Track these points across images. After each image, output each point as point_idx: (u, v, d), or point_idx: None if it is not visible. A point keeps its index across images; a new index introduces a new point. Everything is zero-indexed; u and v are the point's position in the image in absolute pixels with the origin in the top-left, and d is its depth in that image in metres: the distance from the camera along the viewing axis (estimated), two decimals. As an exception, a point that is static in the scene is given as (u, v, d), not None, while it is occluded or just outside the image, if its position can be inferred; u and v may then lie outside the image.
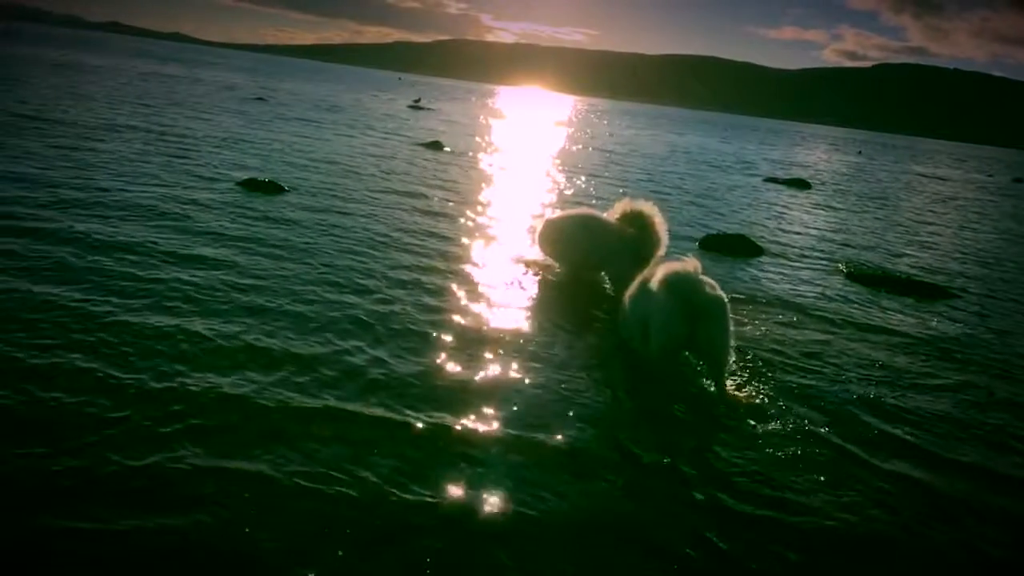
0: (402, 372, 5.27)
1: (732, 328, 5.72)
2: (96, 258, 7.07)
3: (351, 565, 3.30)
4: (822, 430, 5.12)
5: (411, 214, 11.34)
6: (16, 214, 8.24)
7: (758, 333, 7.14)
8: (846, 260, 11.57)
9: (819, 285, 9.67)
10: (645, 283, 6.22)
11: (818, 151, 59.59)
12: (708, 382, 5.72)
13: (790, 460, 4.68)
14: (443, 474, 4.04)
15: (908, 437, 5.20)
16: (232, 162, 14.30)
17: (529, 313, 7.06)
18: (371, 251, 8.63)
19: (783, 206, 18.70)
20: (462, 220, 11.35)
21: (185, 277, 6.82)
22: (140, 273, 6.79)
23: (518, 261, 9.05)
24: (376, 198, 12.38)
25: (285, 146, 18.03)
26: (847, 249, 12.98)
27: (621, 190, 17.45)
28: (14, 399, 4.29)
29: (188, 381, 4.75)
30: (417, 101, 50.87)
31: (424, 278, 7.75)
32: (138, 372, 4.80)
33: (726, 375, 5.70)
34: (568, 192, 16.62)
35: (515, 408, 4.92)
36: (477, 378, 5.35)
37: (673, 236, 11.82)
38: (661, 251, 7.87)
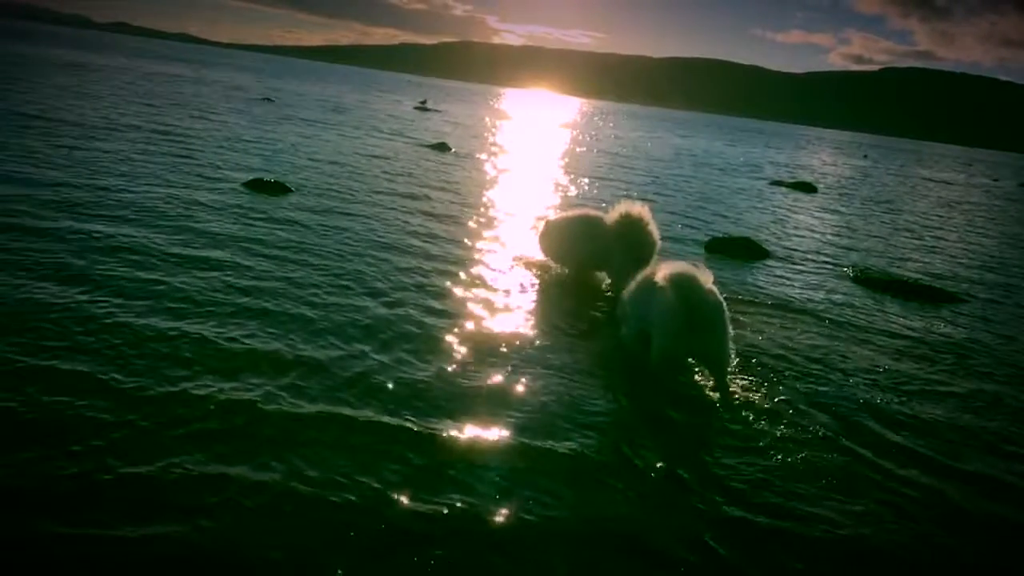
0: (407, 378, 5.23)
1: (731, 331, 5.75)
2: (99, 259, 7.05)
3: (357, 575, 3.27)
4: (828, 436, 5.08)
5: (416, 216, 11.32)
6: (18, 214, 8.21)
7: (764, 337, 7.10)
8: (852, 264, 11.53)
9: (825, 289, 9.64)
10: (647, 283, 6.19)
11: (824, 154, 59.49)
12: (710, 385, 5.70)
13: (796, 467, 4.63)
14: (449, 481, 4.00)
15: (916, 446, 5.13)
16: (238, 162, 14.30)
17: (533, 316, 7.04)
18: (376, 253, 8.61)
19: (789, 209, 18.64)
20: (467, 222, 11.33)
21: (189, 279, 6.80)
22: (143, 274, 6.77)
23: (522, 263, 9.03)
24: (382, 200, 12.37)
25: (291, 147, 18.04)
26: (853, 253, 12.94)
27: (625, 192, 17.42)
28: (15, 402, 4.25)
29: (190, 385, 4.71)
30: (423, 103, 50.90)
31: (429, 281, 7.73)
32: (140, 376, 4.76)
33: (727, 378, 5.71)
34: (573, 194, 16.60)
35: (520, 414, 4.88)
36: (482, 383, 5.30)
37: (679, 239, 11.91)
38: (656, 252, 7.96)
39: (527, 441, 4.52)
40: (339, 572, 3.26)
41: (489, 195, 14.66)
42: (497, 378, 5.43)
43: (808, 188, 24.76)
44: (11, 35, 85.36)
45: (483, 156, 22.35)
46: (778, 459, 4.70)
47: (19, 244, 7.18)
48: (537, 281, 8.38)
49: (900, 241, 15.34)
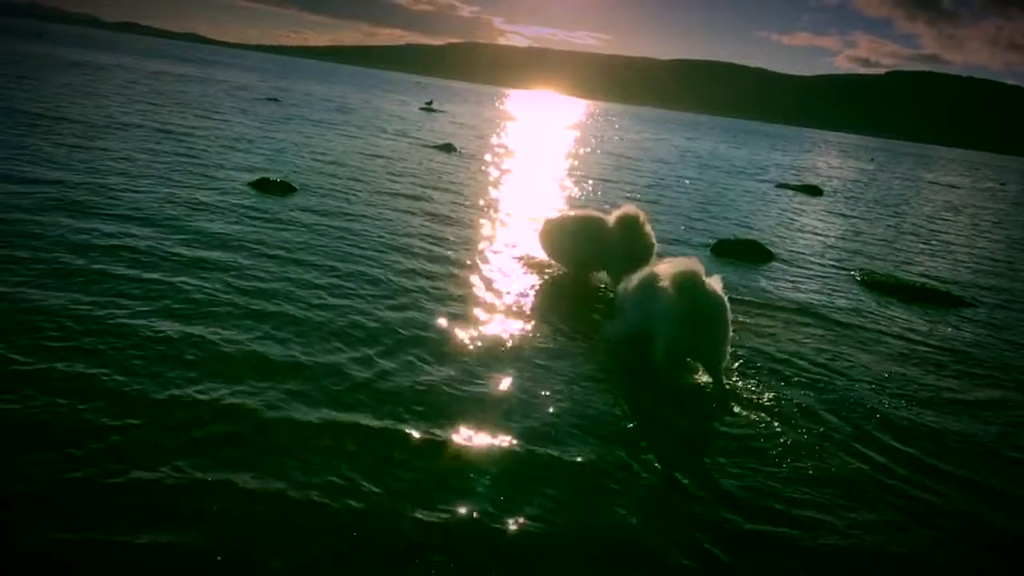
0: (412, 383, 5.18)
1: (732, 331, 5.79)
2: (101, 260, 7.01)
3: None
4: (835, 444, 5.03)
5: (421, 217, 11.30)
6: (21, 215, 8.17)
7: (770, 340, 7.06)
8: (858, 267, 11.48)
9: (832, 292, 9.59)
10: (648, 281, 6.16)
11: (830, 157, 59.38)
12: (712, 389, 5.68)
13: (801, 474, 4.59)
14: (454, 490, 3.95)
15: (923, 454, 5.07)
16: (244, 162, 14.30)
17: (536, 319, 6.98)
18: (381, 255, 8.59)
19: (795, 212, 18.59)
20: (471, 223, 11.31)
21: (193, 281, 6.75)
22: (146, 275, 6.72)
23: (526, 264, 9.01)
24: (386, 200, 12.35)
25: (297, 147, 18.04)
26: (859, 256, 12.88)
27: (629, 194, 17.40)
28: (16, 404, 4.22)
29: (192, 390, 4.66)
30: (429, 103, 50.91)
31: (433, 283, 7.70)
32: (142, 379, 4.73)
33: (722, 375, 5.71)
34: (578, 195, 16.57)
35: (525, 420, 4.83)
36: (486, 389, 5.25)
37: (684, 242, 11.89)
38: (655, 254, 8.02)
39: (532, 447, 4.48)
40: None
41: (494, 196, 14.65)
42: (501, 383, 5.39)
43: (814, 191, 24.70)
44: (19, 34, 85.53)
45: (488, 157, 22.33)
46: (783, 466, 4.66)
47: (20, 244, 7.15)
48: (540, 282, 8.35)
49: (906, 245, 15.29)
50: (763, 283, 9.63)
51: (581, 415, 5.03)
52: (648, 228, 8.15)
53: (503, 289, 7.86)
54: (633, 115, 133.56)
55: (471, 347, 6.04)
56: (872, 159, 66.01)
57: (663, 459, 4.60)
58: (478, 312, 6.97)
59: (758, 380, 5.98)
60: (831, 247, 13.55)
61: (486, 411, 4.91)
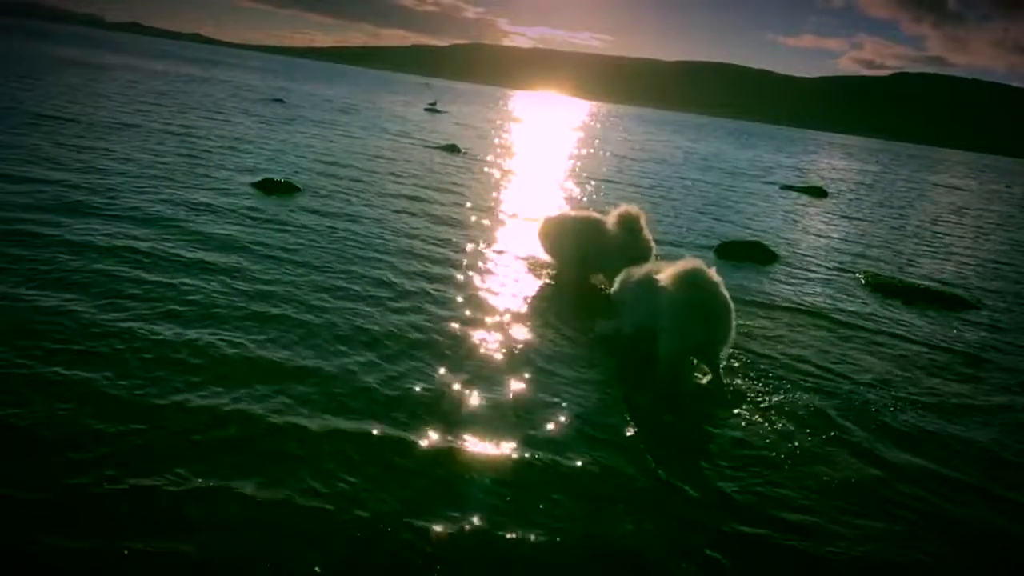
0: (415, 389, 5.12)
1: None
2: (102, 262, 6.96)
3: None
4: (840, 451, 4.99)
5: (424, 218, 11.29)
6: (21, 215, 8.15)
7: (775, 342, 7.03)
8: (864, 269, 11.43)
9: (837, 294, 9.56)
10: (648, 280, 6.12)
11: (835, 159, 59.27)
12: (716, 393, 5.66)
13: (806, 481, 4.54)
14: (459, 499, 3.90)
15: (930, 462, 5.00)
16: (248, 162, 14.31)
17: (540, 323, 6.94)
18: (385, 257, 8.55)
19: (799, 214, 18.55)
20: (474, 225, 11.29)
21: (195, 283, 6.71)
22: (148, 278, 6.68)
23: (530, 268, 8.98)
24: (391, 202, 12.34)
25: (301, 147, 18.04)
26: (864, 258, 12.84)
27: (632, 196, 17.36)
28: (15, 410, 4.18)
29: (194, 395, 4.62)
30: (433, 104, 50.91)
31: (437, 287, 7.65)
32: (142, 384, 4.68)
33: (722, 374, 5.77)
34: (582, 197, 16.54)
35: (530, 428, 4.77)
36: (491, 396, 5.18)
37: (689, 244, 11.86)
38: (652, 255, 8.01)
39: (537, 454, 4.43)
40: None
41: (498, 197, 14.63)
42: (504, 389, 5.34)
43: (819, 193, 24.65)
44: (22, 34, 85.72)
45: (492, 158, 22.32)
46: (788, 472, 4.62)
47: (21, 246, 7.11)
48: (543, 284, 8.35)
49: (911, 246, 15.24)
50: (768, 285, 9.60)
51: (585, 420, 4.99)
52: (646, 228, 8.15)
53: (506, 291, 7.84)
54: (637, 116, 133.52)
55: (474, 351, 6.00)
56: (877, 161, 65.89)
57: (667, 465, 4.56)
58: (481, 315, 6.93)
59: (762, 383, 5.95)
60: (836, 249, 13.50)
61: (490, 417, 4.87)
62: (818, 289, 9.78)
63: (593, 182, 19.67)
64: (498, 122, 45.62)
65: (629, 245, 7.96)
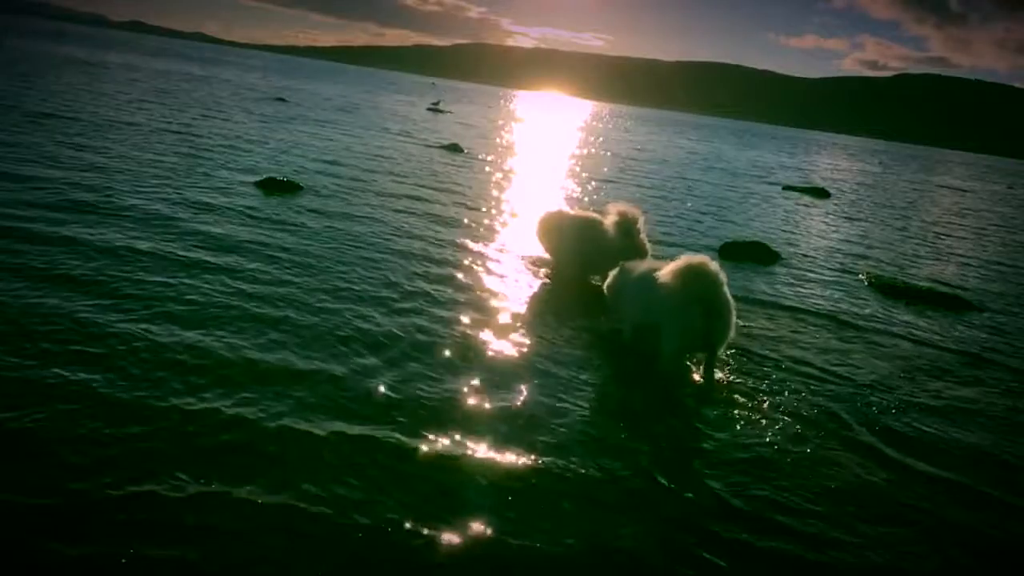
0: (418, 394, 5.05)
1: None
2: (101, 263, 6.92)
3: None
4: (846, 455, 4.95)
5: (426, 218, 11.27)
6: (21, 215, 8.10)
7: (778, 344, 7.01)
8: (866, 270, 11.41)
9: (840, 295, 9.54)
10: (649, 276, 6.11)
11: (837, 160, 59.22)
12: (721, 396, 5.66)
13: (812, 487, 4.48)
14: (462, 505, 3.85)
15: (937, 467, 4.95)
16: (250, 161, 14.31)
17: (541, 325, 6.91)
18: (388, 259, 8.52)
19: (802, 215, 18.54)
20: (477, 225, 11.28)
21: (196, 284, 6.66)
22: (148, 279, 6.64)
23: (532, 268, 8.97)
24: (394, 202, 12.34)
25: (304, 147, 18.04)
26: (867, 259, 12.82)
27: (634, 196, 17.35)
28: (14, 413, 4.14)
29: (194, 399, 4.56)
30: (436, 104, 50.93)
31: (440, 288, 7.62)
32: (142, 387, 4.63)
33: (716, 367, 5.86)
34: (583, 197, 16.52)
35: (533, 432, 4.71)
36: (492, 400, 5.11)
37: (691, 244, 11.85)
38: (647, 256, 8.01)
39: (540, 460, 4.37)
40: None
41: (500, 197, 14.63)
42: (507, 392, 5.27)
43: (821, 193, 24.63)
44: (26, 33, 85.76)
45: (494, 158, 22.31)
46: (791, 477, 4.57)
47: (21, 247, 7.06)
48: (544, 284, 8.35)
49: (913, 248, 15.21)
50: (770, 285, 9.59)
51: (586, 423, 4.96)
52: (643, 230, 8.16)
53: (507, 292, 7.84)
54: (639, 116, 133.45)
55: (475, 354, 5.95)
56: (879, 162, 65.82)
57: (668, 469, 4.52)
58: (482, 317, 6.90)
59: (766, 385, 5.93)
60: (838, 249, 13.48)
61: (492, 421, 4.83)
62: (821, 290, 9.77)
63: (595, 182, 19.67)
64: (500, 122, 45.60)
65: (626, 247, 7.94)
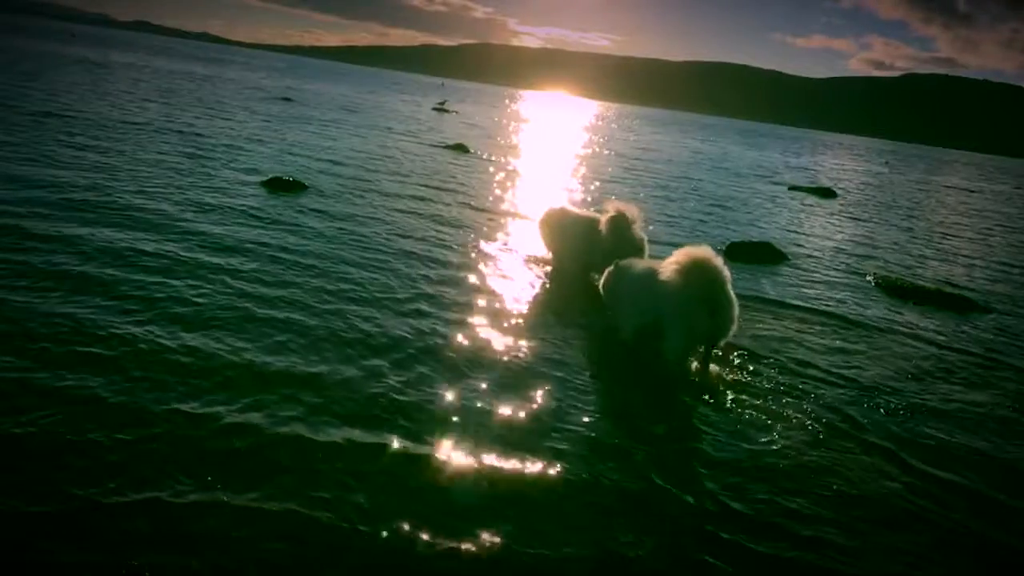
0: (421, 399, 4.98)
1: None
2: (104, 264, 6.87)
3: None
4: (855, 460, 4.89)
5: (433, 219, 11.24)
6: (23, 217, 8.06)
7: (786, 345, 6.96)
8: (873, 270, 11.36)
9: (847, 295, 9.50)
10: (650, 273, 6.08)
11: (844, 160, 59.07)
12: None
13: (822, 494, 4.43)
14: (473, 516, 3.78)
15: (950, 474, 4.89)
16: (256, 161, 14.31)
17: (544, 327, 6.87)
18: (393, 260, 8.48)
19: (808, 215, 18.47)
20: (481, 226, 11.25)
21: (200, 286, 6.62)
22: (151, 280, 6.60)
23: (534, 269, 8.95)
24: (398, 202, 12.32)
25: (309, 147, 18.03)
26: (873, 259, 12.76)
27: (640, 196, 17.32)
28: (14, 417, 4.10)
29: (196, 404, 4.51)
30: (442, 104, 50.91)
31: (446, 290, 7.57)
32: (143, 392, 4.58)
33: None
34: (588, 197, 16.48)
35: (539, 439, 4.63)
36: (499, 406, 5.04)
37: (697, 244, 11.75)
38: (644, 253, 8.07)
39: (543, 467, 4.32)
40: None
41: (505, 197, 14.59)
42: (512, 398, 5.19)
43: (827, 194, 24.55)
44: (31, 33, 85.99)
45: (500, 158, 22.27)
46: (798, 483, 4.53)
47: (23, 247, 7.04)
48: (547, 285, 8.32)
49: (920, 248, 15.14)
50: (778, 285, 9.54)
51: (590, 428, 4.91)
52: (638, 227, 8.16)
53: (511, 294, 7.80)
54: (646, 117, 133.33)
55: (479, 358, 5.88)
56: (886, 162, 65.63)
57: (673, 476, 4.46)
58: (486, 319, 6.84)
59: (772, 387, 5.89)
60: (844, 250, 13.42)
61: (499, 426, 4.77)
62: (828, 290, 9.72)
63: (600, 182, 19.63)
64: (506, 122, 45.58)
65: (619, 244, 7.95)
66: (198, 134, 17.12)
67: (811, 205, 20.95)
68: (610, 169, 23.95)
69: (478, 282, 8.01)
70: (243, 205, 10.20)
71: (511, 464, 4.32)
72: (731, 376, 5.99)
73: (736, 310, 5.73)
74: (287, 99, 34.64)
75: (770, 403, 5.58)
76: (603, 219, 8.17)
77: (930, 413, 5.83)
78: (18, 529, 3.31)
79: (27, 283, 6.15)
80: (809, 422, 5.33)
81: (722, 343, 5.94)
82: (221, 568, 3.23)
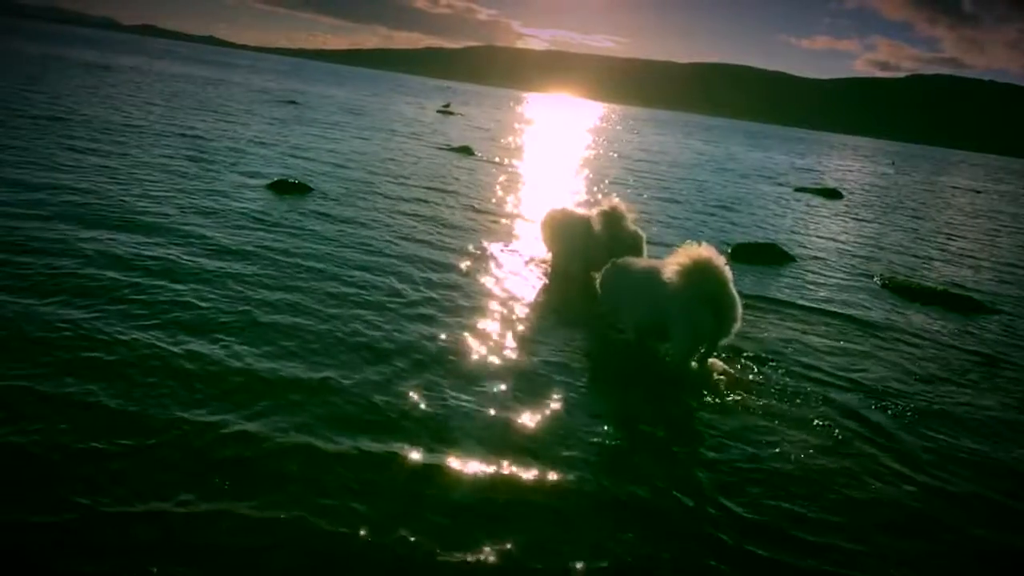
0: (427, 407, 4.90)
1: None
2: (107, 269, 6.79)
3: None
4: (863, 464, 4.85)
5: (436, 223, 11.21)
6: (25, 222, 8.00)
7: (792, 347, 6.93)
8: (880, 271, 11.33)
9: (855, 296, 9.47)
10: (652, 274, 6.06)
11: (849, 161, 58.96)
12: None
13: (832, 500, 4.38)
14: (484, 529, 3.70)
15: (961, 481, 4.84)
16: (261, 164, 14.32)
17: (553, 334, 6.79)
18: (397, 264, 8.43)
19: (814, 216, 18.43)
20: (486, 229, 11.24)
21: (204, 292, 6.54)
22: (155, 285, 6.55)
23: (540, 272, 8.92)
24: (404, 204, 12.31)
25: (315, 149, 18.03)
26: (880, 260, 12.73)
27: (645, 197, 17.30)
28: (14, 426, 4.05)
29: (201, 412, 4.44)
30: (446, 106, 50.92)
31: (452, 295, 7.50)
32: (147, 400, 4.51)
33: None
34: (592, 200, 16.45)
35: (546, 449, 4.55)
36: (505, 415, 4.94)
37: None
38: (642, 249, 8.12)
39: (553, 476, 4.25)
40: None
41: (510, 200, 14.57)
42: (518, 407, 5.08)
43: (833, 194, 24.51)
44: (37, 37, 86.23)
45: (505, 160, 22.26)
46: (804, 488, 4.48)
47: (26, 251, 6.98)
48: (552, 288, 8.30)
49: (926, 249, 15.10)
50: (784, 287, 9.52)
51: (596, 434, 4.85)
52: (631, 222, 8.20)
53: (516, 298, 7.76)
54: (650, 118, 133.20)
55: (485, 364, 5.81)
56: (892, 163, 65.48)
57: (682, 484, 4.41)
58: (492, 324, 6.78)
59: (781, 391, 5.85)
60: (851, 251, 13.39)
61: (505, 435, 4.68)
62: (835, 292, 9.68)
63: (604, 184, 19.59)
64: (511, 125, 45.57)
65: (613, 241, 7.99)
66: (205, 137, 17.14)
67: (817, 206, 20.91)
68: (616, 171, 23.92)
69: (483, 285, 7.98)
70: (248, 208, 10.19)
71: (517, 472, 4.27)
72: (737, 378, 5.96)
73: (740, 310, 5.73)
74: (292, 102, 34.66)
75: (777, 405, 5.54)
76: (595, 215, 8.22)
77: (937, 416, 5.79)
78: (19, 539, 3.28)
79: (29, 288, 6.10)
80: (816, 426, 5.30)
81: (724, 343, 5.93)
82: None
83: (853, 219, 18.80)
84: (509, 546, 3.61)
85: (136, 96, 25.69)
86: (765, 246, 11.83)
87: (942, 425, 5.63)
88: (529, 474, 4.27)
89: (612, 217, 8.09)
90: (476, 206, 13.09)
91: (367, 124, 28.77)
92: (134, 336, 5.40)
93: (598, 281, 7.17)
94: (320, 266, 7.88)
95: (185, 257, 7.51)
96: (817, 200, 22.69)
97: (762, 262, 11.05)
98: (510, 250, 9.89)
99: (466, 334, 6.40)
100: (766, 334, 7.25)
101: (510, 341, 6.39)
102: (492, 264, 8.98)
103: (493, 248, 9.84)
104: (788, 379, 6.11)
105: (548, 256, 9.26)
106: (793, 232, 15.03)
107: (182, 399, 4.61)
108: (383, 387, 5.14)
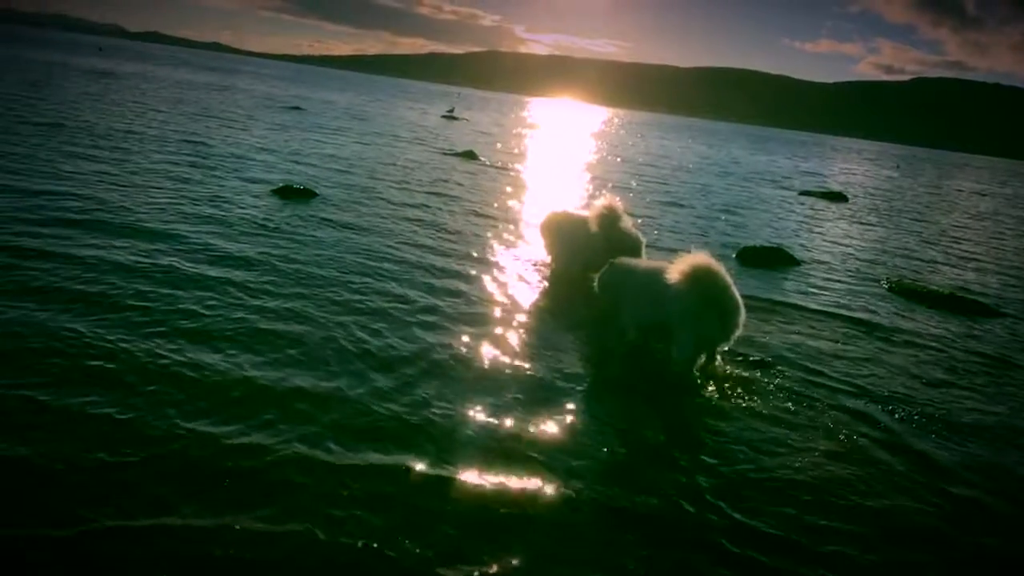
0: (434, 418, 4.83)
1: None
2: (109, 277, 6.75)
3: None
4: (871, 471, 4.80)
5: (440, 229, 11.16)
6: (27, 228, 7.98)
7: (800, 352, 6.88)
8: (886, 274, 11.28)
9: (862, 300, 9.42)
10: (655, 277, 6.03)
11: (854, 164, 58.88)
12: (739, 405, 5.58)
13: (838, 507, 4.33)
14: (493, 544, 3.64)
15: (971, 489, 4.77)
16: (266, 169, 14.32)
17: (557, 340, 6.74)
18: (401, 270, 8.38)
19: (819, 219, 18.38)
20: (491, 235, 11.20)
21: (208, 300, 6.48)
22: (158, 293, 6.50)
23: (543, 277, 8.89)
24: (408, 210, 12.27)
25: (320, 155, 18.01)
26: (885, 263, 12.67)
27: (649, 201, 17.27)
28: (15, 437, 4.01)
29: (204, 423, 4.40)
30: (450, 111, 50.97)
31: (457, 303, 7.44)
32: (149, 411, 4.45)
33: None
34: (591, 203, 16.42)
35: (552, 459, 4.48)
36: (510, 425, 4.86)
37: (709, 248, 11.68)
38: (641, 248, 8.17)
39: (558, 486, 4.18)
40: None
41: (514, 205, 14.54)
42: (523, 416, 5.00)
43: (838, 198, 24.47)
44: (44, 45, 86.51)
45: (509, 165, 22.23)
46: (812, 496, 4.44)
47: (28, 258, 6.95)
48: (554, 293, 8.27)
49: (932, 252, 15.04)
50: (791, 291, 9.46)
51: (600, 443, 4.79)
52: (626, 222, 8.24)
53: (520, 304, 7.72)
54: (655, 123, 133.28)
55: (490, 373, 5.73)
56: (897, 166, 65.43)
57: (686, 492, 4.37)
58: (498, 332, 6.71)
59: (787, 396, 5.80)
60: (857, 254, 13.34)
61: (511, 446, 4.60)
62: (841, 295, 9.63)
63: (609, 188, 19.56)
64: (515, 129, 45.56)
65: (610, 241, 8.02)
66: (206, 143, 17.13)
67: (822, 209, 20.87)
68: (620, 175, 23.89)
69: (486, 291, 7.95)
70: (250, 214, 10.17)
71: (522, 484, 4.21)
72: (743, 382, 5.92)
73: (743, 314, 5.72)
74: (296, 107, 34.70)
75: (783, 410, 5.50)
76: (591, 215, 8.25)
77: (945, 421, 5.74)
78: (18, 552, 3.24)
79: (31, 297, 6.06)
80: (822, 432, 5.26)
81: (726, 347, 5.92)
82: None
83: (858, 222, 18.75)
84: (515, 562, 3.55)
85: (140, 102, 25.73)
86: (771, 249, 11.80)
87: (950, 431, 5.58)
88: (534, 484, 4.21)
89: (608, 217, 8.12)
90: (479, 211, 13.06)
91: (371, 129, 28.78)
92: (136, 344, 5.36)
93: (596, 281, 7.17)
94: (323, 272, 7.84)
95: (188, 264, 7.49)
96: (822, 204, 22.64)
97: (768, 265, 11.02)
98: (513, 255, 9.85)
99: (470, 342, 6.34)
100: (772, 338, 7.21)
101: (513, 348, 6.34)
102: (495, 269, 8.94)
103: (497, 253, 9.82)
104: (794, 383, 6.07)
105: (549, 259, 9.22)
106: (798, 236, 14.98)
107: (185, 409, 4.56)
108: (388, 397, 5.08)
